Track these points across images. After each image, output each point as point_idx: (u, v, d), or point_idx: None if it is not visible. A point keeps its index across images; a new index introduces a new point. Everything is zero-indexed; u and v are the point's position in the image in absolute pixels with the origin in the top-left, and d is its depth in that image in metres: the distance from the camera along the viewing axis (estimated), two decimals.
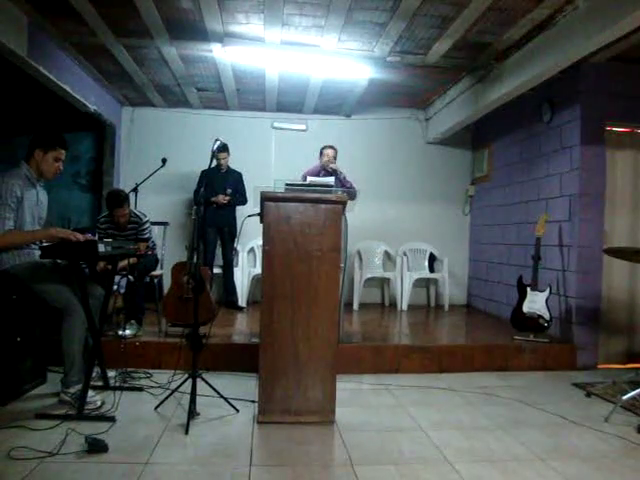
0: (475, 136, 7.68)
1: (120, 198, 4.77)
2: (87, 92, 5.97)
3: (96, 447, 2.80)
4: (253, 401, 3.61)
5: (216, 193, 6.31)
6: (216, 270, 6.57)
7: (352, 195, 5.72)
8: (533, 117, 5.95)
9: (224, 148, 6.37)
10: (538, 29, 4.59)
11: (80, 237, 3.36)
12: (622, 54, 4.90)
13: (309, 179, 4.75)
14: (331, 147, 5.75)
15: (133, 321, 4.75)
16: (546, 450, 3.09)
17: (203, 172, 6.42)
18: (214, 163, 6.40)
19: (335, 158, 5.71)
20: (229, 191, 6.37)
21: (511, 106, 5.94)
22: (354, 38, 4.97)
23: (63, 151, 3.62)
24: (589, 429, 3.43)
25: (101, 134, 7.10)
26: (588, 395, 4.17)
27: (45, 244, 3.40)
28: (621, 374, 4.30)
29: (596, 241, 5.08)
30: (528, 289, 5.23)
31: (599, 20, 3.93)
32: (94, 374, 3.63)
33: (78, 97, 5.72)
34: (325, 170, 5.64)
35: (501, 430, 3.40)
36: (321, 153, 5.76)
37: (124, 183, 6.92)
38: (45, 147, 3.54)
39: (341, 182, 5.54)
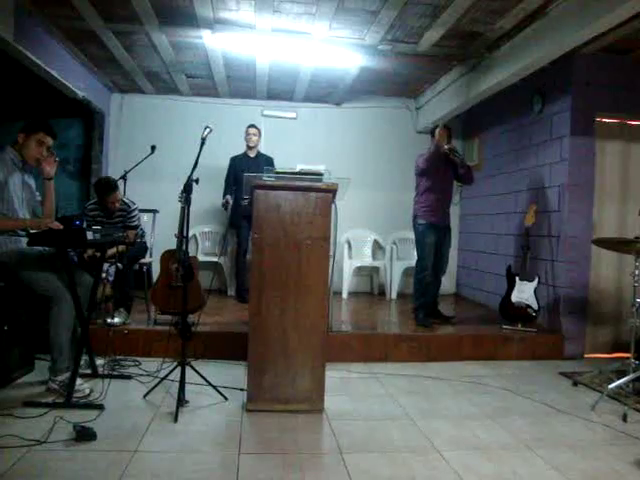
0: (465, 126, 7.68)
1: (112, 183, 4.78)
2: (76, 78, 5.90)
3: (84, 435, 2.79)
4: (242, 389, 3.61)
5: None
6: None
7: (472, 178, 5.58)
8: (524, 107, 5.95)
9: (254, 125, 6.35)
10: (530, 19, 4.58)
11: (54, 226, 3.38)
12: (613, 45, 4.91)
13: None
14: (445, 126, 5.47)
15: (122, 309, 4.74)
16: (533, 438, 3.12)
17: (232, 159, 6.42)
18: (243, 148, 6.17)
19: (450, 137, 5.43)
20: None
21: (502, 96, 5.93)
22: (345, 26, 4.94)
23: (48, 138, 3.58)
24: (576, 418, 3.47)
25: (90, 121, 7.02)
26: (575, 384, 4.21)
27: (32, 231, 3.37)
28: (607, 363, 4.33)
29: (585, 231, 5.10)
30: (517, 279, 5.26)
31: (591, 11, 3.93)
32: (82, 362, 3.62)
33: (66, 83, 5.66)
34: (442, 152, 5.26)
35: (489, 419, 3.43)
36: (432, 134, 5.46)
37: (113, 170, 6.87)
38: (27, 131, 3.52)
39: (461, 165, 5.39)
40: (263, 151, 6.52)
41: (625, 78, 5.18)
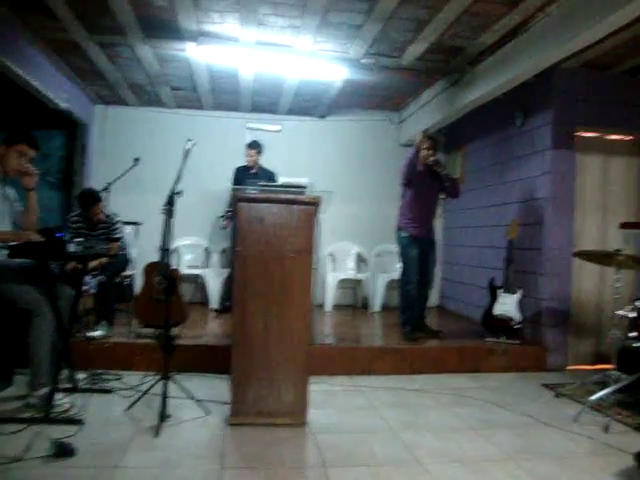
0: (448, 139, 7.73)
1: (95, 195, 4.79)
2: (58, 89, 5.87)
3: (63, 451, 2.73)
4: (225, 403, 3.57)
5: None
6: None
7: (457, 191, 5.43)
8: (506, 121, 6.01)
9: (253, 145, 6.24)
10: (511, 34, 4.65)
11: (34, 238, 3.33)
12: (592, 61, 5.00)
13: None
14: (429, 137, 5.34)
15: (104, 322, 4.68)
16: (516, 450, 3.13)
17: (236, 169, 6.33)
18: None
19: (435, 149, 5.33)
20: None
21: (484, 110, 5.99)
22: (329, 39, 4.97)
23: (31, 150, 3.55)
24: (558, 429, 3.48)
25: (72, 132, 6.98)
26: (557, 396, 4.23)
27: (12, 244, 3.33)
28: (589, 375, 4.36)
29: (566, 244, 5.15)
30: (499, 291, 5.29)
31: (570, 27, 4.00)
32: (62, 376, 3.56)
33: (49, 94, 5.62)
34: (425, 166, 5.21)
35: (472, 431, 3.43)
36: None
37: (95, 182, 6.79)
38: (8, 142, 3.49)
39: (445, 178, 5.29)
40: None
41: (604, 93, 5.27)
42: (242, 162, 6.35)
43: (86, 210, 4.77)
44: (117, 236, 4.93)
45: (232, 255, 6.39)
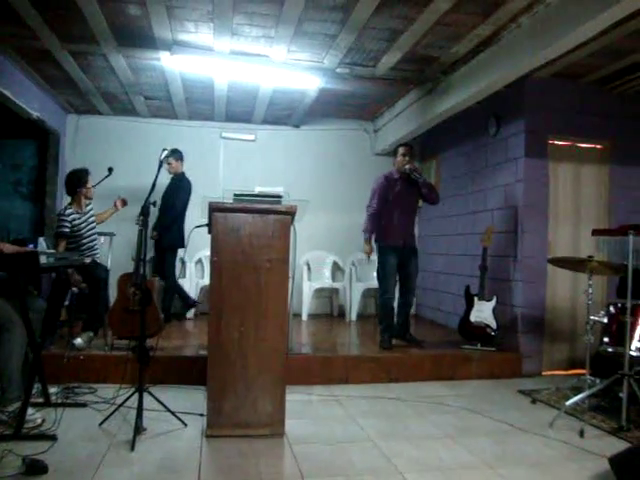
0: (423, 148, 7.79)
1: (85, 169, 4.95)
2: (30, 98, 5.78)
3: (34, 468, 2.66)
4: (202, 414, 3.54)
5: None
6: None
7: (436, 198, 5.43)
8: (480, 130, 6.08)
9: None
10: (484, 44, 4.71)
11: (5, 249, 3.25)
12: (563, 71, 5.09)
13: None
14: (404, 145, 5.42)
15: (90, 332, 4.63)
16: (494, 457, 3.14)
17: None
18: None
19: (412, 157, 5.38)
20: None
21: (458, 119, 6.05)
22: (304, 49, 4.98)
23: None
24: (535, 435, 3.51)
25: (44, 142, 6.86)
26: (533, 402, 4.27)
27: None
28: (564, 380, 4.42)
29: (540, 251, 5.21)
30: (475, 299, 5.32)
31: (541, 38, 4.06)
32: (34, 390, 3.49)
33: (20, 103, 5.53)
34: (402, 174, 5.29)
35: (450, 438, 3.43)
36: (395, 153, 5.42)
37: None
38: None
39: (422, 185, 5.28)
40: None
41: (576, 102, 5.37)
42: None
43: (83, 187, 4.87)
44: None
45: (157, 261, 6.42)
